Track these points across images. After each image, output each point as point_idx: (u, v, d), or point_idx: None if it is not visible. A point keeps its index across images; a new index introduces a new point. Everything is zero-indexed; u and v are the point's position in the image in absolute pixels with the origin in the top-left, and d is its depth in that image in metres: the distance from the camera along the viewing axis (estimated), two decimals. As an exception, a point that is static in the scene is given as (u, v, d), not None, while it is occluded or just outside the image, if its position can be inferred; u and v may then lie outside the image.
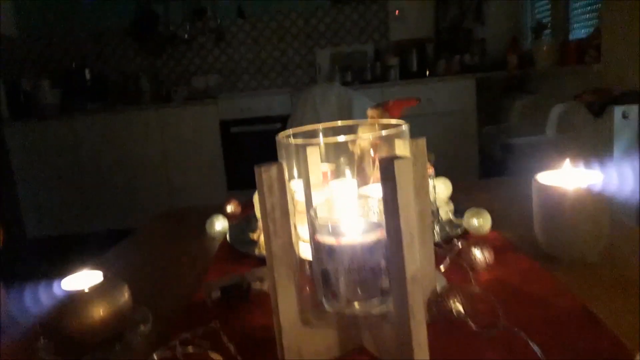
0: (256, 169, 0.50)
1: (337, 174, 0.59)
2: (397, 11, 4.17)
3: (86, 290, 0.59)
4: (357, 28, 4.25)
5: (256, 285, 0.69)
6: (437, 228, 0.85)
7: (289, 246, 0.52)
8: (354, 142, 0.59)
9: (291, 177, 0.54)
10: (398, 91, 3.70)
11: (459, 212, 0.89)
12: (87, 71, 4.11)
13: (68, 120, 3.78)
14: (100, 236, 3.67)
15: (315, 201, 0.55)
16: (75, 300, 0.58)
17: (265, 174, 0.50)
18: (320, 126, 0.61)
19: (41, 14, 4.22)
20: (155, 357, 0.47)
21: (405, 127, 0.54)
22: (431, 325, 0.47)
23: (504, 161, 3.07)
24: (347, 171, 0.59)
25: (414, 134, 0.55)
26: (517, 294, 0.62)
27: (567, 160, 0.71)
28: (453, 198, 0.96)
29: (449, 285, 0.59)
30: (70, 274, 0.61)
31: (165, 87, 4.21)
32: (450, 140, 3.64)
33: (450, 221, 0.88)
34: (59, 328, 0.57)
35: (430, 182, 0.83)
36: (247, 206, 1.11)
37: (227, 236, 0.95)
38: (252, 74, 4.34)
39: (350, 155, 0.59)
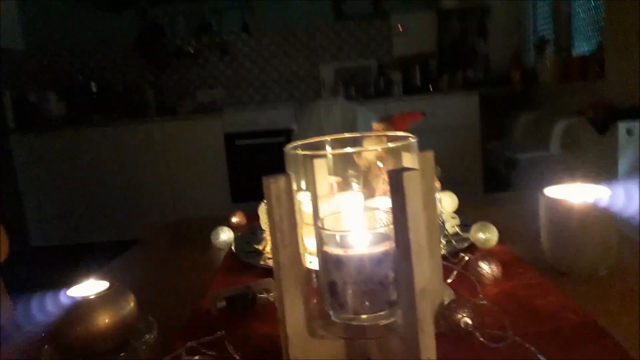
0: (264, 180, 0.50)
1: (344, 186, 0.59)
2: (399, 27, 4.21)
3: (92, 297, 0.58)
4: (360, 43, 4.29)
5: (262, 296, 0.68)
6: (443, 241, 0.84)
7: (297, 257, 0.52)
8: (359, 154, 0.59)
9: (298, 189, 0.54)
10: (401, 106, 3.71)
11: (464, 226, 0.89)
12: (92, 84, 4.15)
13: (73, 132, 3.81)
14: (104, 246, 3.67)
15: (322, 213, 0.55)
16: (80, 308, 0.58)
17: (274, 185, 0.50)
18: (328, 138, 0.61)
19: (48, 28, 4.27)
20: (161, 366, 0.47)
21: (413, 139, 0.54)
22: (439, 338, 0.46)
23: (508, 176, 3.07)
24: (355, 184, 0.59)
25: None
26: (525, 308, 0.62)
27: (575, 176, 0.71)
28: (458, 212, 0.96)
29: (457, 298, 0.59)
30: (76, 283, 0.61)
31: (170, 100, 4.24)
32: (454, 155, 3.64)
33: (456, 235, 0.88)
34: (64, 335, 0.57)
35: (437, 195, 0.83)
36: (252, 218, 1.11)
37: (233, 247, 0.94)
38: (257, 87, 4.37)
39: (357, 167, 0.60)
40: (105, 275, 0.63)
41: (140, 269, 0.97)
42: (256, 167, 3.64)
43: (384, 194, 0.60)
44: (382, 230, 0.51)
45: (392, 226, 0.49)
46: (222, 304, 0.68)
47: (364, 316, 0.50)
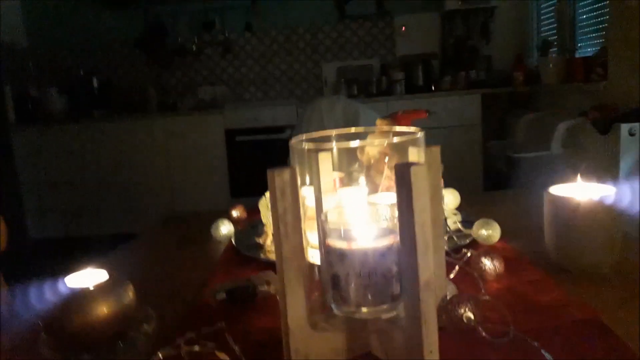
0: (269, 173, 0.50)
1: (347, 182, 0.59)
2: (403, 28, 4.20)
3: (91, 288, 0.58)
4: (363, 43, 4.28)
5: (262, 289, 0.68)
6: (445, 238, 0.84)
7: (299, 249, 0.51)
8: (362, 151, 0.59)
9: (302, 183, 0.54)
10: (403, 105, 3.71)
11: (466, 222, 0.89)
12: (94, 79, 4.14)
13: (74, 127, 3.81)
14: (103, 240, 3.67)
15: (325, 207, 0.55)
16: (79, 298, 0.57)
17: (278, 177, 0.50)
18: (333, 132, 0.60)
19: (50, 24, 4.26)
20: (160, 355, 0.46)
21: (420, 134, 0.54)
22: (441, 333, 0.46)
23: (508, 175, 3.06)
24: (362, 177, 0.59)
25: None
26: (527, 304, 0.61)
27: (579, 175, 0.71)
28: (459, 209, 0.95)
29: (459, 293, 0.58)
30: (75, 272, 0.61)
31: (172, 97, 4.23)
32: (455, 153, 3.64)
33: (458, 231, 0.87)
34: (61, 325, 0.56)
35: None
36: (252, 212, 1.10)
37: (233, 240, 0.94)
38: (259, 85, 4.36)
39: (362, 162, 0.59)
40: (104, 266, 0.63)
41: (139, 261, 0.96)
42: (256, 163, 3.63)
43: (387, 190, 0.60)
44: (385, 224, 0.50)
45: (396, 220, 0.49)
46: (222, 296, 0.67)
47: (366, 310, 0.49)
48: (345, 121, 2.39)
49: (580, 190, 0.70)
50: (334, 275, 0.50)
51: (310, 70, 4.33)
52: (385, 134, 0.63)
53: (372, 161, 0.63)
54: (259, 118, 3.74)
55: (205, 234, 1.01)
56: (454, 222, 0.89)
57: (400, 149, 0.55)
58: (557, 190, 0.71)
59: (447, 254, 0.69)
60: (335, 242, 0.50)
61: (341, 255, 0.49)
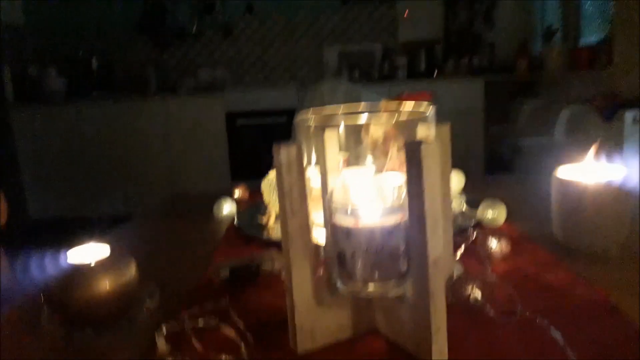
0: (275, 148, 0.49)
1: (353, 161, 0.58)
2: (406, 13, 4.15)
3: (92, 265, 0.57)
4: (365, 27, 4.23)
5: (266, 267, 0.67)
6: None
7: (305, 226, 0.50)
8: (366, 131, 0.58)
9: (307, 163, 0.53)
10: (406, 90, 3.68)
11: (471, 204, 0.88)
12: (94, 60, 4.10)
13: (73, 107, 3.78)
14: (102, 221, 3.67)
15: (331, 185, 0.54)
16: (81, 273, 0.57)
17: (285, 152, 0.49)
18: (339, 109, 0.59)
19: (48, 3, 4.20)
20: (163, 329, 0.46)
21: (431, 111, 0.53)
22: (448, 312, 0.45)
23: (511, 161, 3.05)
24: (368, 157, 0.58)
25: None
26: (534, 284, 0.60)
27: (589, 154, 0.70)
28: (464, 191, 0.95)
29: (466, 272, 0.58)
30: (77, 245, 0.60)
31: (172, 79, 4.20)
32: (457, 139, 3.58)
33: (462, 212, 0.87)
34: (64, 300, 0.56)
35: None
36: (254, 193, 1.10)
37: (235, 220, 0.93)
38: (259, 68, 4.33)
39: (369, 141, 0.58)
40: (106, 242, 0.62)
41: (141, 240, 0.96)
42: (257, 147, 3.62)
43: (392, 170, 0.59)
44: (391, 202, 0.50)
45: (403, 198, 0.48)
46: (226, 274, 0.66)
47: (372, 286, 0.49)
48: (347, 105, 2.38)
49: (588, 172, 0.69)
50: (339, 252, 0.49)
51: (311, 54, 4.29)
52: (391, 113, 0.62)
53: (377, 142, 0.62)
54: (260, 101, 3.71)
55: (206, 214, 1.00)
56: (459, 203, 0.88)
57: (408, 128, 0.54)
58: (565, 171, 0.70)
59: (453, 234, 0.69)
60: (342, 220, 0.49)
61: (347, 233, 0.48)
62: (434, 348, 0.45)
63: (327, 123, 0.54)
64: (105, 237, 0.86)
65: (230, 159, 3.77)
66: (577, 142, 2.44)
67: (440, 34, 4.17)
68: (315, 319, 0.50)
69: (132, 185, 3.82)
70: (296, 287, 0.49)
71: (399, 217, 0.48)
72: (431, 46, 4.04)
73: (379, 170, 0.60)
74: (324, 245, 0.53)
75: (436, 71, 3.94)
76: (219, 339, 0.50)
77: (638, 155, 2.03)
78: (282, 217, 0.50)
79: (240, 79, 4.32)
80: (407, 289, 0.49)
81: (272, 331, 0.54)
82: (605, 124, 2.23)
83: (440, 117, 0.55)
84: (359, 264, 0.48)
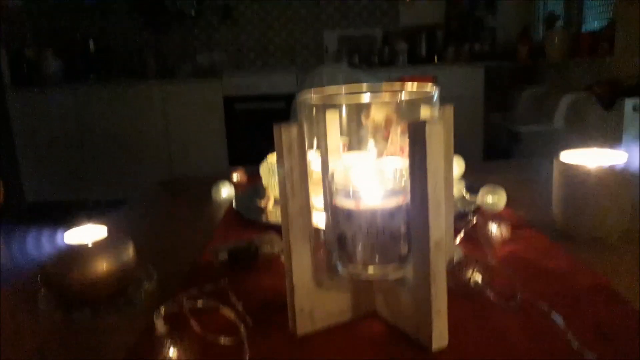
0: (275, 128, 0.48)
1: (352, 146, 0.57)
2: (407, -1, 4.11)
3: (90, 245, 0.57)
4: (366, 11, 4.19)
5: (265, 250, 0.67)
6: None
7: (306, 208, 0.50)
8: (367, 115, 0.57)
9: (308, 146, 0.52)
10: (406, 75, 3.66)
11: (471, 189, 0.87)
12: (91, 43, 4.06)
13: (70, 90, 3.75)
14: (99, 205, 3.66)
15: (332, 167, 0.53)
16: (79, 253, 0.56)
17: (286, 133, 0.48)
18: (341, 90, 0.58)
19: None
20: (162, 311, 0.45)
21: (435, 91, 0.52)
22: (448, 296, 0.45)
23: (509, 148, 3.05)
24: (370, 141, 0.57)
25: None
26: (535, 269, 0.60)
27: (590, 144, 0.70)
28: (463, 177, 0.94)
29: (466, 256, 0.57)
30: (74, 226, 0.59)
31: (170, 62, 4.16)
32: (456, 125, 3.58)
33: (462, 198, 0.86)
34: (61, 280, 0.55)
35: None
36: (253, 177, 1.09)
37: (234, 203, 0.93)
38: (258, 52, 4.28)
39: (370, 125, 0.57)
40: (104, 224, 0.61)
41: (139, 222, 0.95)
42: (255, 132, 3.60)
43: (392, 155, 0.58)
44: (392, 185, 0.49)
45: (405, 181, 0.47)
46: (224, 256, 0.66)
47: (372, 269, 0.48)
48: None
49: (589, 158, 0.68)
50: (340, 234, 0.49)
51: (311, 38, 4.25)
52: (392, 95, 0.61)
53: (379, 126, 0.61)
54: (259, 86, 3.68)
55: (204, 197, 1.00)
56: (458, 189, 0.88)
57: (411, 109, 0.53)
58: (567, 157, 0.70)
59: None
60: (343, 202, 0.49)
61: (348, 214, 0.48)
62: (434, 331, 0.45)
63: (329, 101, 0.53)
64: (103, 219, 0.85)
65: (228, 143, 3.76)
66: (576, 130, 2.44)
67: (442, 18, 4.13)
68: (314, 302, 0.50)
69: (129, 168, 3.81)
70: (296, 269, 0.49)
71: (400, 200, 0.47)
72: (432, 31, 4.00)
73: (380, 154, 0.59)
74: (324, 228, 0.52)
75: (437, 57, 3.91)
76: (217, 320, 0.50)
77: (638, 144, 2.02)
78: (282, 198, 0.49)
79: (239, 63, 4.29)
80: (408, 272, 0.49)
81: (272, 313, 0.53)
82: (605, 112, 2.22)
83: (440, 103, 0.55)
84: (360, 246, 0.48)
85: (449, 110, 0.55)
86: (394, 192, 0.48)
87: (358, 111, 0.53)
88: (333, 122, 0.52)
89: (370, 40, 4.11)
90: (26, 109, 3.73)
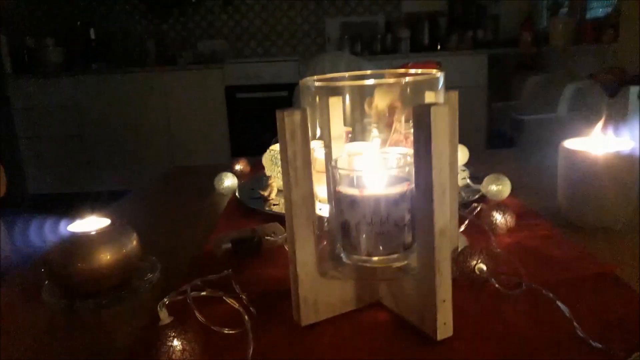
0: (278, 113, 0.47)
1: (358, 132, 0.56)
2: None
3: (93, 233, 0.57)
4: (368, -2, 4.16)
5: (268, 239, 0.67)
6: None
7: (309, 196, 0.49)
8: (370, 104, 0.56)
9: (311, 135, 0.51)
10: (409, 62, 3.63)
11: (475, 178, 0.87)
12: (92, 31, 4.04)
13: (71, 79, 3.74)
14: (101, 196, 3.67)
15: (336, 153, 0.53)
16: (82, 243, 0.56)
17: (288, 118, 0.47)
18: (345, 74, 0.57)
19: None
20: (165, 301, 0.45)
21: (440, 76, 0.51)
22: (453, 284, 0.45)
23: (513, 137, 3.03)
24: (374, 130, 0.57)
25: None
26: (540, 257, 0.60)
27: (596, 127, 0.69)
28: (467, 166, 0.94)
29: (470, 245, 0.57)
30: (78, 218, 0.59)
31: (171, 50, 4.14)
32: (459, 113, 3.58)
33: (466, 186, 0.86)
34: (65, 271, 0.55)
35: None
36: (255, 168, 1.09)
37: (237, 193, 0.92)
38: (260, 40, 4.26)
39: (374, 113, 0.57)
40: (106, 216, 0.61)
41: (141, 213, 0.95)
42: (257, 121, 3.59)
43: (395, 145, 0.58)
44: (396, 172, 0.49)
45: (409, 168, 0.47)
46: (227, 246, 0.66)
47: (376, 258, 0.48)
48: (349, 78, 2.34)
49: (595, 145, 0.67)
50: (344, 222, 0.49)
51: (313, 25, 4.22)
52: (395, 85, 0.60)
53: (382, 113, 0.60)
54: (261, 75, 3.67)
55: (208, 187, 0.99)
56: (462, 177, 0.87)
57: (415, 94, 0.53)
58: (572, 144, 0.69)
59: (457, 207, 0.68)
60: (347, 189, 0.48)
61: (352, 202, 0.47)
62: (439, 320, 0.45)
63: (332, 85, 0.52)
64: (105, 210, 0.85)
65: (231, 133, 3.75)
66: (580, 118, 2.42)
67: (445, 5, 4.09)
68: (318, 291, 0.50)
69: (131, 159, 3.81)
70: (300, 258, 0.49)
71: (404, 187, 0.47)
72: (435, 18, 3.97)
73: (383, 144, 0.59)
74: (327, 217, 0.52)
75: (439, 45, 3.88)
76: (221, 311, 0.50)
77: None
78: (285, 186, 0.49)
79: (240, 51, 4.26)
80: (412, 260, 0.48)
81: (275, 303, 0.53)
82: (609, 99, 2.20)
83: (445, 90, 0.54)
84: (364, 235, 0.48)
85: (454, 95, 0.55)
86: (398, 179, 0.48)
87: (361, 97, 0.52)
88: (336, 108, 0.52)
89: (372, 27, 4.08)
90: (28, 98, 3.73)
